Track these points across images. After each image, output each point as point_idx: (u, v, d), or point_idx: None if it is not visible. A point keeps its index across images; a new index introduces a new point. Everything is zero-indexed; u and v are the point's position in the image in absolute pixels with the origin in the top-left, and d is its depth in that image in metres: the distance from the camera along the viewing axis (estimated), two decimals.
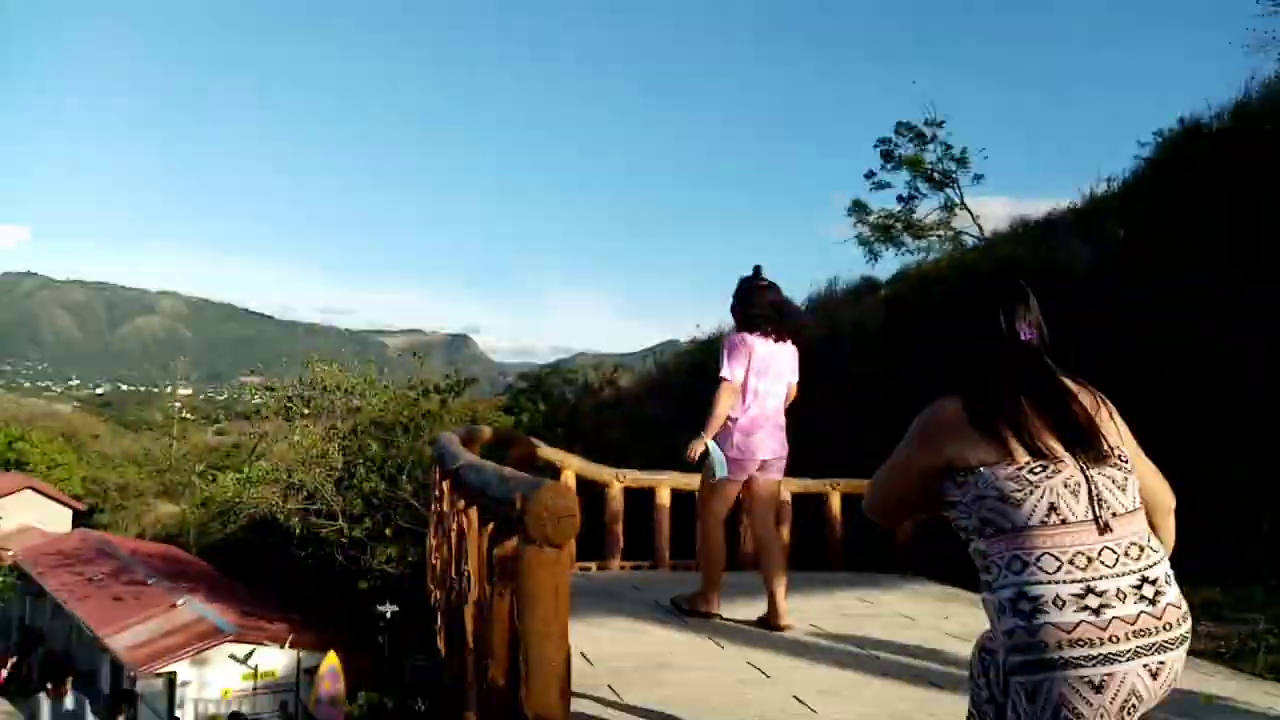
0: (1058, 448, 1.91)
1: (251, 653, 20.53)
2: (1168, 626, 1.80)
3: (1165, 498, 2.15)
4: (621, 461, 6.69)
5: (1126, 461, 1.96)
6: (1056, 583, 1.78)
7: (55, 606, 26.02)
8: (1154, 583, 1.82)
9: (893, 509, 2.31)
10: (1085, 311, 10.30)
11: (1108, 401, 2.08)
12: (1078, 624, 1.75)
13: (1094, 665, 1.74)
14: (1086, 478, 1.87)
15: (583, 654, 4.09)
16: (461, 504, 3.06)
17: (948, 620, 5.10)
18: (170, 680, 20.05)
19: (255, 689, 20.65)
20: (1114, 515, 1.86)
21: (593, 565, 6.82)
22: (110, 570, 26.03)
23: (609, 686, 3.61)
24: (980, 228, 19.05)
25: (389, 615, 17.36)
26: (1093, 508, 1.85)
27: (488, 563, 2.49)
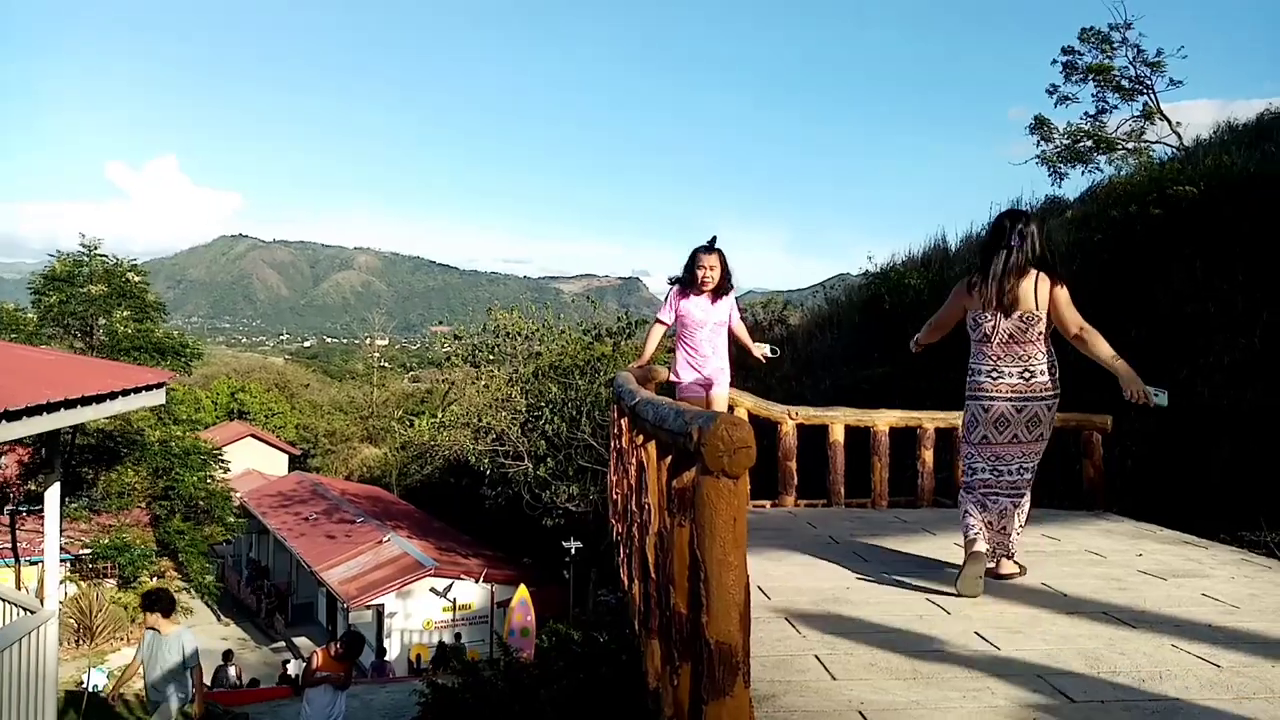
0: (994, 306, 4.26)
1: (450, 586, 21.95)
2: (1033, 390, 4.29)
3: (1071, 329, 4.23)
4: (792, 399, 6.69)
5: (1031, 316, 4.22)
6: (983, 368, 4.37)
7: (276, 543, 28.69)
8: (1030, 372, 4.28)
9: (931, 333, 4.81)
10: None
11: (1045, 284, 4.25)
12: (984, 383, 4.35)
13: (989, 400, 4.35)
14: (1000, 322, 4.26)
15: (760, 588, 4.20)
16: (640, 439, 3.19)
17: (1141, 558, 4.88)
18: (379, 612, 21.77)
19: (454, 620, 22.11)
20: (1013, 340, 4.27)
21: (767, 504, 6.91)
22: (323, 509, 28.41)
23: (786, 619, 3.70)
24: (1179, 136, 17.48)
25: (573, 551, 18.11)
26: (1003, 336, 4.26)
27: (667, 495, 2.60)
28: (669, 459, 2.60)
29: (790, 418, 6.93)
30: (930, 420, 6.85)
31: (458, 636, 21.48)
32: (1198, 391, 9.52)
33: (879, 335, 17.39)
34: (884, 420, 6.82)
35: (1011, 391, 4.29)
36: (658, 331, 6.27)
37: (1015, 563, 4.50)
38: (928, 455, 6.84)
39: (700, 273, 5.87)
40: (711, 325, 6.06)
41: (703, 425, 2.05)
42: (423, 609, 22.08)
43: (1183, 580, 4.37)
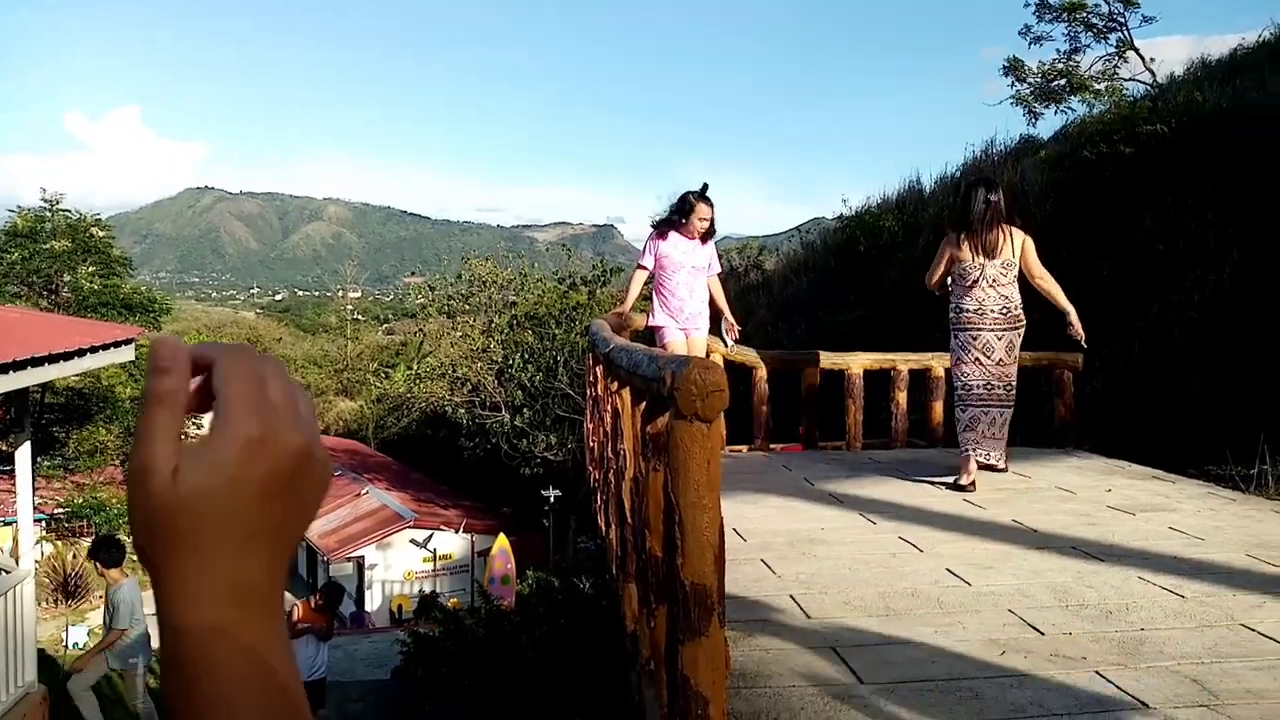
0: (980, 255, 5.24)
1: (430, 537, 22.05)
2: (1011, 320, 5.29)
3: (1036, 273, 5.33)
4: (769, 344, 6.69)
5: (1009, 262, 5.26)
6: (969, 306, 5.28)
7: None
8: (1008, 306, 5.26)
9: (933, 277, 5.50)
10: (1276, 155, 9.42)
11: (1016, 236, 5.33)
12: (972, 317, 5.28)
13: (974, 330, 5.30)
14: (985, 268, 5.23)
15: (735, 530, 4.24)
16: (615, 386, 3.19)
17: (1109, 494, 4.97)
18: (359, 564, 21.88)
19: (435, 570, 22.26)
20: (995, 283, 5.25)
21: (743, 448, 6.95)
22: None
23: (761, 560, 3.74)
24: (1153, 74, 17.45)
25: (552, 500, 18.23)
26: (988, 279, 5.23)
27: (641, 440, 2.60)
28: (643, 405, 2.60)
29: (764, 362, 6.95)
30: (904, 362, 6.89)
31: (436, 587, 21.65)
32: (1168, 329, 9.64)
33: (854, 278, 17.42)
34: (858, 363, 6.85)
35: (994, 323, 5.33)
36: (640, 277, 6.27)
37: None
38: (901, 397, 6.88)
39: (695, 220, 5.92)
40: (690, 269, 6.05)
41: (675, 370, 2.04)
42: (403, 560, 22.18)
43: (1150, 514, 4.46)
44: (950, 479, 5.36)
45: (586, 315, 16.01)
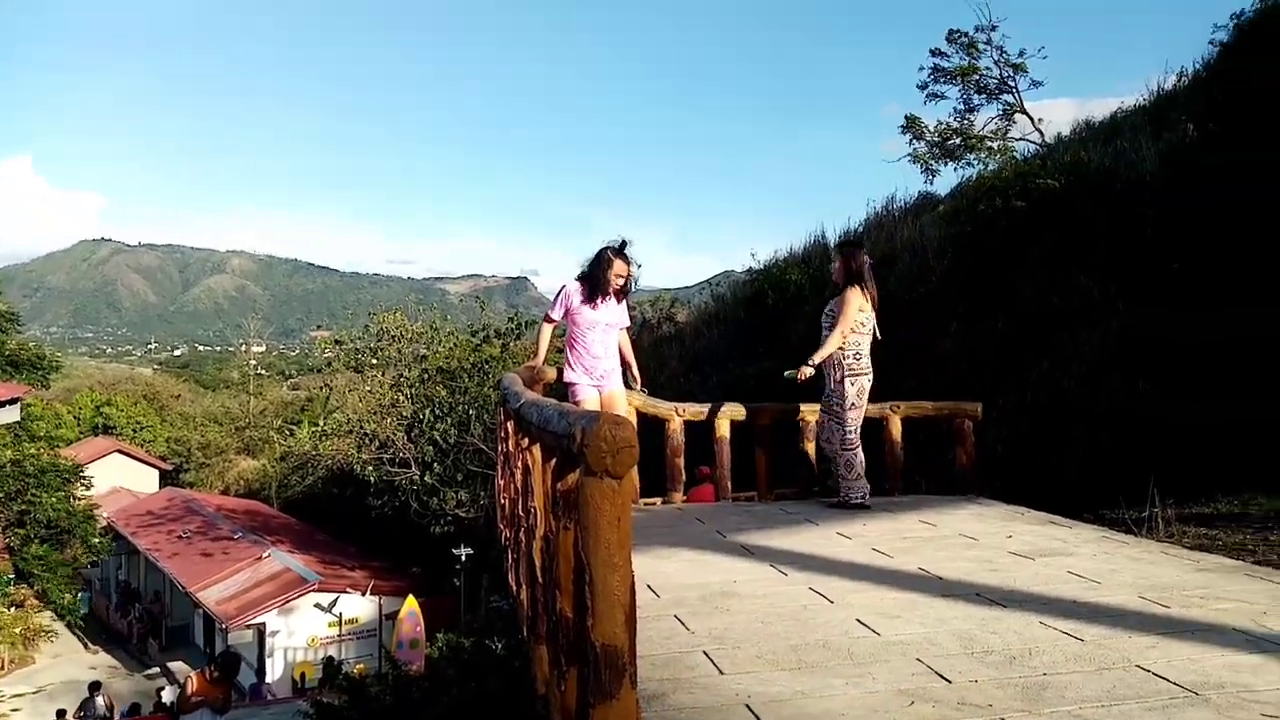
0: (875, 305, 6.31)
1: (335, 600, 21.29)
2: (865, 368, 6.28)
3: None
4: (681, 396, 6.74)
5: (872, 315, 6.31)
6: (865, 351, 6.27)
7: (148, 564, 27.27)
8: (865, 354, 6.27)
9: (849, 327, 6.15)
10: (1157, 209, 9.94)
11: None
12: (867, 363, 6.26)
13: (868, 376, 6.26)
14: (873, 318, 6.29)
15: (649, 586, 4.21)
16: (525, 442, 3.15)
17: (1011, 539, 5.11)
18: (260, 631, 20.96)
19: (341, 635, 21.48)
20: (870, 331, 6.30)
21: (657, 500, 6.94)
22: (197, 526, 27.14)
23: (675, 616, 3.72)
24: (1041, 133, 18.42)
25: (464, 558, 17.84)
26: (871, 327, 6.28)
27: (552, 498, 2.57)
28: (554, 461, 2.58)
29: (678, 414, 6.98)
30: (811, 413, 7.01)
31: (342, 653, 20.88)
32: (1059, 382, 10.04)
33: (764, 330, 17.68)
34: (766, 414, 6.94)
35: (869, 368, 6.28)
36: (547, 330, 6.27)
37: None
38: (809, 447, 6.99)
39: (612, 277, 5.91)
40: (603, 326, 6.08)
41: (586, 426, 2.03)
42: (307, 626, 21.35)
43: (1049, 559, 4.59)
44: (847, 515, 5.99)
45: (500, 368, 15.87)
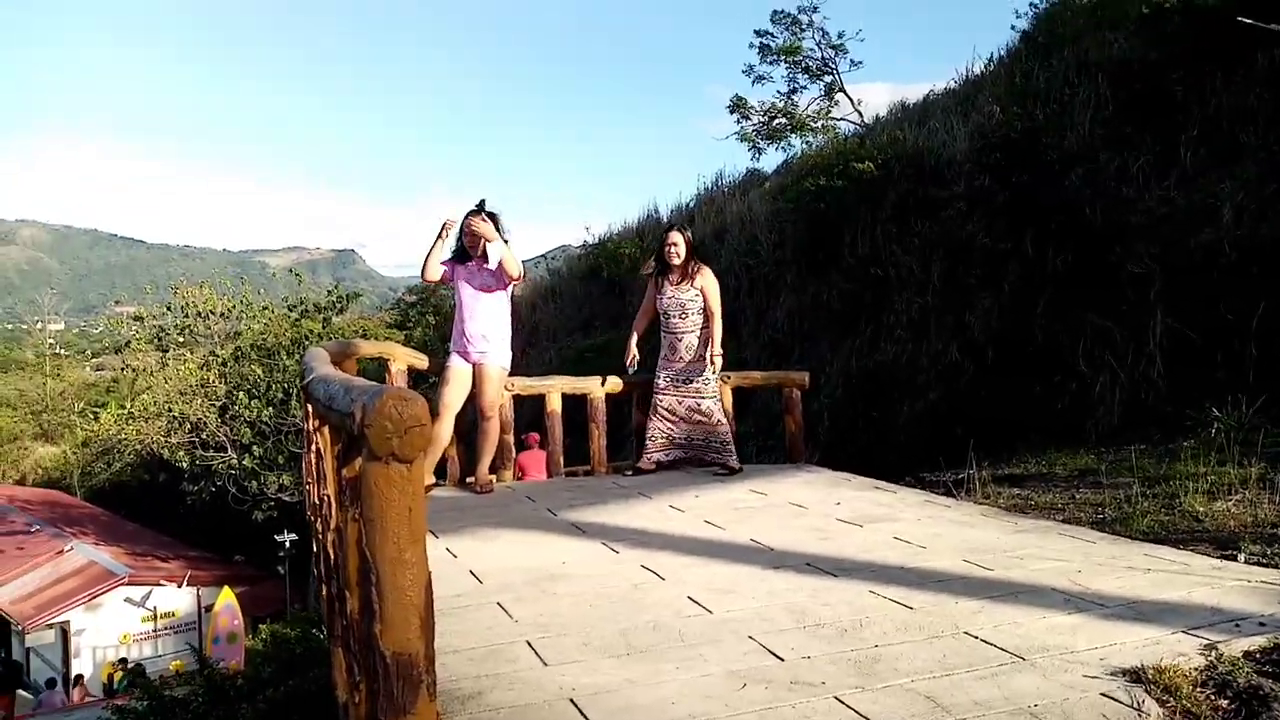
0: None
1: (149, 594, 19.89)
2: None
3: None
4: (516, 370, 6.46)
5: None
6: None
7: None
8: None
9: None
10: (965, 189, 10.38)
11: None
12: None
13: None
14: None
15: (471, 572, 3.94)
16: (316, 423, 2.81)
17: (839, 506, 5.12)
18: (63, 630, 19.29)
19: (156, 630, 20.10)
20: None
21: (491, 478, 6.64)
22: None
23: (498, 604, 3.47)
24: (861, 114, 19.08)
25: (288, 545, 16.97)
26: None
27: (340, 486, 2.26)
28: (339, 445, 2.26)
29: (507, 388, 6.68)
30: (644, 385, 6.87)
31: (158, 649, 19.55)
32: (882, 347, 10.37)
33: (600, 304, 17.55)
34: (600, 387, 6.75)
35: None
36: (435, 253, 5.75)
37: None
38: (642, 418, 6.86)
39: (469, 234, 5.62)
40: (469, 289, 5.71)
41: (367, 403, 1.74)
42: (118, 622, 19.80)
43: (877, 525, 4.61)
44: (681, 487, 5.89)
45: (322, 344, 15.05)
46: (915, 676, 2.60)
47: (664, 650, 2.93)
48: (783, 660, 2.78)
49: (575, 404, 6.88)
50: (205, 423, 15.95)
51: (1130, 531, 4.43)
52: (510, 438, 6.59)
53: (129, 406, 18.56)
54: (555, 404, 6.67)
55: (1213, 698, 2.42)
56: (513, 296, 6.09)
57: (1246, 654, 2.66)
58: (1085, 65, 10.67)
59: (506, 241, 5.68)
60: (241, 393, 15.39)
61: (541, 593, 3.62)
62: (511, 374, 6.22)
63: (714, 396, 6.37)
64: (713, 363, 6.24)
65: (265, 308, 17.33)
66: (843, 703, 2.45)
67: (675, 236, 6.36)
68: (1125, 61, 10.02)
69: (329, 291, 17.68)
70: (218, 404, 15.97)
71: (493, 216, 5.66)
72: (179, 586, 20.18)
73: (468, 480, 6.22)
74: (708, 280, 6.29)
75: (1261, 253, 7.35)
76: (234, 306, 16.97)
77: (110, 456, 29.05)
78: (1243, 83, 8.72)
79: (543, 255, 24.04)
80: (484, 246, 5.62)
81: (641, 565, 3.97)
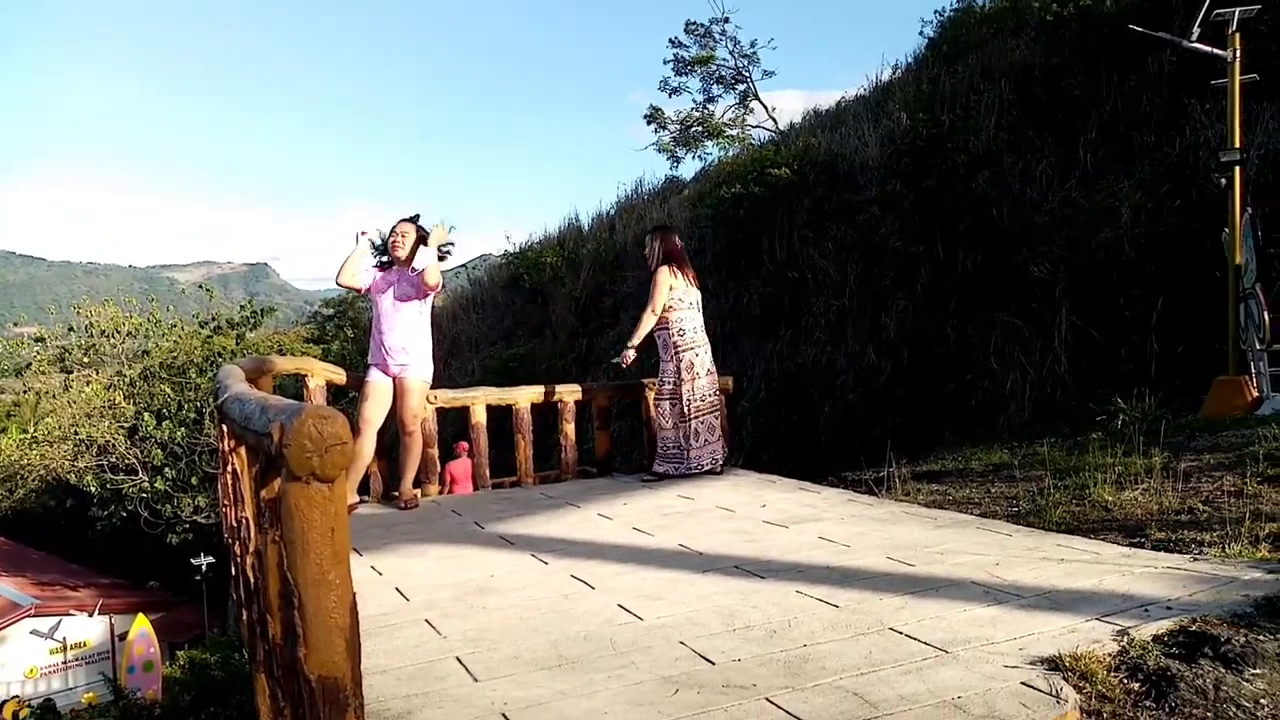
0: (693, 284, 6.38)
1: (57, 624, 19.06)
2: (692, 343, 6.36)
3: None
4: (439, 382, 6.37)
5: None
6: (688, 326, 6.36)
7: None
8: (691, 329, 6.36)
9: (659, 305, 6.16)
10: (878, 193, 10.61)
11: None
12: (692, 333, 6.40)
13: (695, 349, 6.37)
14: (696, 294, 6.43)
15: (398, 589, 3.88)
16: (232, 443, 2.73)
17: (765, 508, 5.18)
18: None
19: (66, 662, 19.26)
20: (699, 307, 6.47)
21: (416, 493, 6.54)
22: None
23: (426, 621, 3.42)
24: (775, 121, 19.40)
25: (205, 568, 16.45)
26: (697, 304, 6.42)
27: (258, 507, 2.21)
28: (257, 466, 2.20)
29: (430, 402, 6.59)
30: (570, 394, 6.86)
31: (69, 682, 18.71)
32: (802, 350, 10.54)
33: (523, 312, 17.45)
34: (525, 397, 6.71)
35: (704, 342, 6.40)
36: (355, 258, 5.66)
37: None
38: (569, 429, 6.84)
39: (396, 239, 5.64)
40: (387, 300, 5.63)
41: (285, 422, 1.70)
42: (23, 656, 18.90)
43: (802, 526, 4.68)
44: (609, 495, 5.83)
45: (236, 361, 14.64)
46: (843, 674, 2.64)
47: (595, 660, 2.92)
48: (713, 664, 2.80)
49: (501, 415, 6.84)
50: (114, 445, 15.36)
51: (1044, 523, 4.59)
52: (435, 451, 6.51)
53: (31, 430, 17.80)
54: (480, 416, 6.60)
55: (1125, 681, 2.52)
56: (433, 307, 6.03)
57: (1155, 638, 2.77)
58: (989, 71, 11.04)
59: (443, 257, 5.74)
60: (150, 414, 14.87)
61: (470, 607, 3.58)
62: (434, 386, 6.15)
63: (655, 400, 6.51)
64: (625, 350, 6.32)
65: (175, 325, 16.77)
66: (774, 703, 2.47)
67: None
68: (1027, 67, 10.39)
69: (242, 306, 17.19)
70: (126, 425, 15.40)
71: (423, 233, 5.72)
72: (90, 615, 19.37)
73: (392, 495, 6.13)
74: (655, 275, 6.37)
75: (1158, 250, 7.69)
76: (141, 324, 16.38)
77: (13, 483, 27.80)
78: (1136, 87, 9.12)
79: (463, 265, 23.82)
80: (412, 249, 5.65)
81: (571, 575, 3.95)
